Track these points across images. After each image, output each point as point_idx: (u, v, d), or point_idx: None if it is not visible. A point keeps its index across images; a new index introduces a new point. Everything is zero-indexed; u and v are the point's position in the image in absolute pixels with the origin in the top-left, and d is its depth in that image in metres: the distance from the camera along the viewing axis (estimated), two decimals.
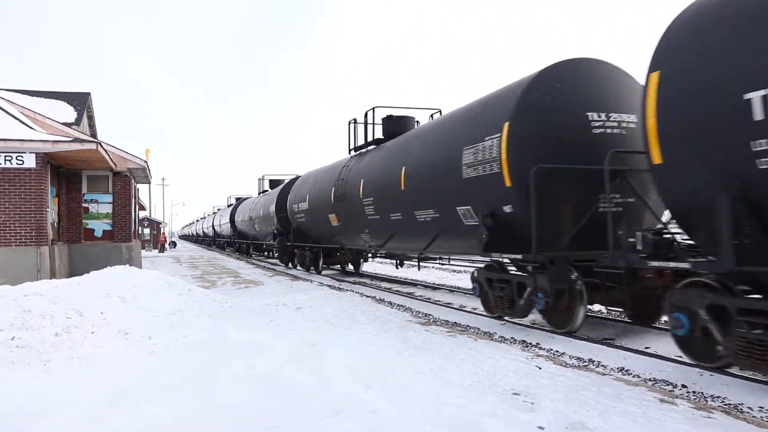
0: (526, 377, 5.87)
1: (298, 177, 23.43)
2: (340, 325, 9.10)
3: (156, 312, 9.35)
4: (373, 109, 15.38)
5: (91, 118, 27.68)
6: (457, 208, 9.90)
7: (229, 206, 47.02)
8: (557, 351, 7.24)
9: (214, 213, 61.69)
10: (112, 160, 16.64)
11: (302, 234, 20.90)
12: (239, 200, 42.02)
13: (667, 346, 7.41)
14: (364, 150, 15.55)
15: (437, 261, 18.11)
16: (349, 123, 16.33)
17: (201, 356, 6.65)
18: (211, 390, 5.25)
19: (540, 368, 6.25)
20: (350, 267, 20.77)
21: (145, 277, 11.55)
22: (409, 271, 19.77)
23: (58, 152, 14.27)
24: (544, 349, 7.40)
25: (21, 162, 13.75)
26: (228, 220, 41.17)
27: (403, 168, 11.78)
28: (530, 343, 7.72)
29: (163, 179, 75.99)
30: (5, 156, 13.65)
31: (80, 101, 25.26)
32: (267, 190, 31.12)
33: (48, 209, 14.49)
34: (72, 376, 5.86)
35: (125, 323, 8.03)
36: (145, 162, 18.60)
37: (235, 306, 10.95)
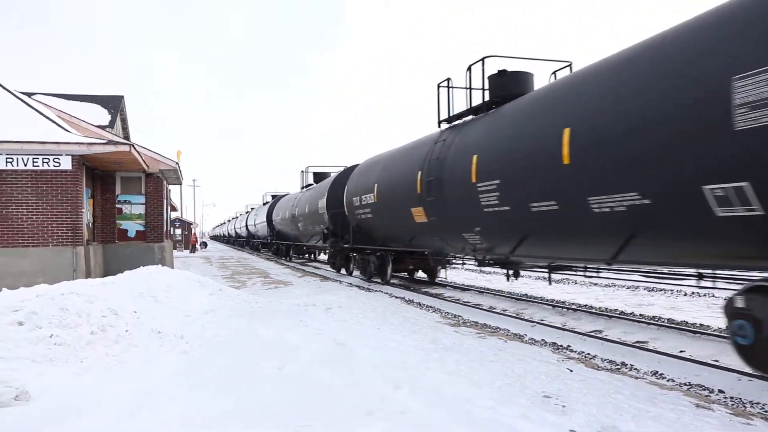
0: (557, 380, 5.81)
1: (355, 165, 19.81)
2: (369, 325, 9.11)
3: (188, 311, 9.48)
4: (483, 60, 11.29)
5: (124, 121, 28.19)
6: (706, 187, 6.06)
7: (265, 204, 42.62)
8: (589, 353, 7.16)
9: (247, 212, 57.20)
10: (144, 162, 16.93)
11: (365, 234, 17.21)
12: (277, 197, 37.75)
13: (702, 349, 7.28)
14: (460, 121, 12.22)
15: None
16: (439, 87, 12.61)
17: (232, 356, 6.72)
18: (243, 389, 5.29)
19: (571, 371, 6.18)
20: (419, 274, 17.91)
21: (177, 277, 11.72)
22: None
23: (92, 154, 14.57)
24: (575, 351, 7.32)
25: (58, 164, 14.06)
26: (264, 219, 37.32)
27: (567, 130, 8.00)
28: (561, 346, 7.64)
29: (194, 180, 77.10)
30: (43, 158, 13.98)
31: (114, 104, 25.77)
32: (312, 184, 26.74)
33: (83, 210, 14.80)
34: (107, 374, 5.97)
35: (158, 322, 8.15)
36: (177, 163, 18.88)
37: (265, 306, 11.04)
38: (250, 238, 49.73)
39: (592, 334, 8.53)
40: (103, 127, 20.67)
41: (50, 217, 14.09)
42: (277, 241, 34.35)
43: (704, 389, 5.57)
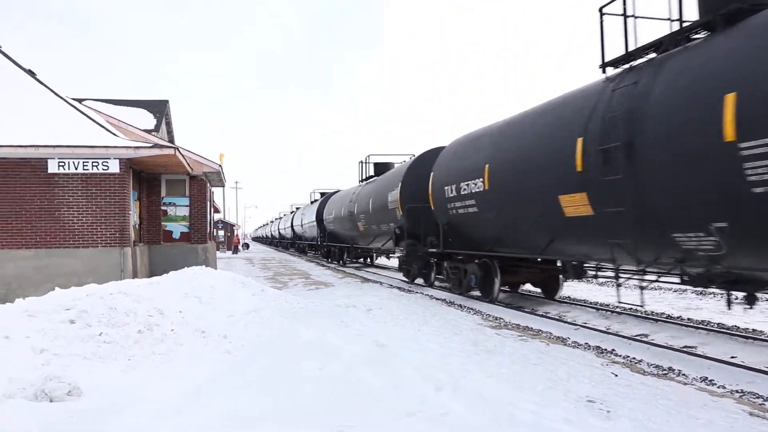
0: (601, 384, 5.70)
1: (438, 148, 16.13)
2: (409, 327, 9.10)
3: (231, 312, 9.62)
4: None
5: (169, 124, 28.82)
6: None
7: (313, 202, 38.03)
8: (634, 358, 7.00)
9: (292, 212, 52.74)
10: (188, 165, 17.27)
11: (461, 235, 13.28)
12: (328, 195, 33.40)
13: (755, 356, 7.05)
14: (652, 56, 7.84)
15: None
16: (602, 12, 8.55)
17: (274, 356, 6.79)
18: (285, 389, 5.34)
19: (616, 375, 6.06)
20: (525, 286, 14.24)
21: (220, 278, 11.91)
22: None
23: (139, 158, 14.94)
24: (620, 355, 7.17)
25: (106, 167, 14.46)
26: (313, 219, 33.57)
27: None
28: (605, 350, 7.49)
29: (236, 182, 78.32)
30: (92, 162, 14.39)
31: (159, 108, 26.37)
32: (373, 177, 22.18)
33: (130, 212, 15.18)
34: (153, 372, 6.10)
35: (202, 322, 8.30)
36: (220, 166, 19.20)
37: (307, 307, 11.13)
38: (296, 240, 45.55)
39: (637, 338, 8.35)
40: (149, 131, 21.20)
41: (99, 218, 14.49)
42: (329, 243, 30.19)
43: (758, 397, 5.39)
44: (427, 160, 16.23)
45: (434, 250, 14.60)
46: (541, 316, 10.58)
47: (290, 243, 52.34)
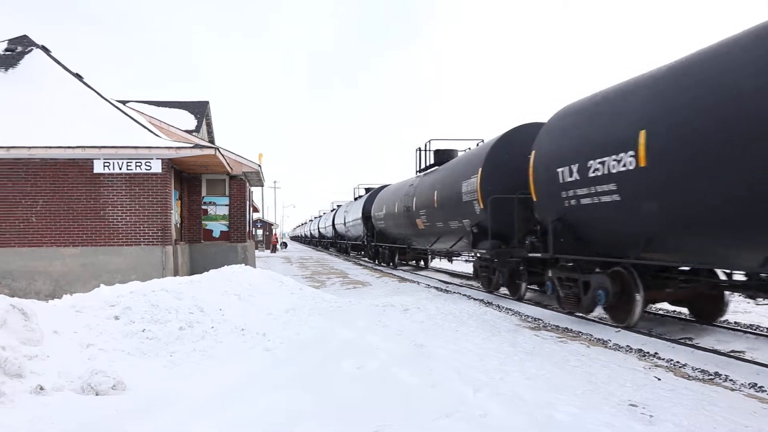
0: (644, 388, 5.57)
1: (535, 123, 12.90)
2: (447, 327, 9.05)
3: (270, 310, 9.72)
4: None
5: (209, 125, 29.31)
6: None
7: (358, 198, 34.96)
8: (678, 362, 6.83)
9: (333, 210, 48.91)
10: (228, 165, 17.52)
11: (581, 233, 9.86)
12: (375, 189, 30.26)
13: None
14: None
15: None
16: None
17: (312, 354, 6.83)
18: (323, 387, 5.37)
19: (659, 379, 5.92)
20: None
21: (259, 276, 12.05)
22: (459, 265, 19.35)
23: (180, 158, 15.22)
24: (663, 359, 7.00)
25: (149, 167, 14.77)
26: (359, 216, 30.30)
27: None
28: (648, 353, 7.33)
29: (274, 182, 79.09)
30: (135, 162, 14.72)
31: (200, 109, 26.84)
32: (434, 166, 18.51)
33: (172, 211, 15.47)
34: (195, 368, 6.21)
35: (242, 320, 8.41)
36: (259, 166, 19.42)
37: (344, 306, 11.17)
38: (338, 239, 42.40)
39: (681, 341, 8.14)
40: (190, 132, 21.60)
41: (142, 217, 14.81)
42: (377, 243, 26.75)
43: None
44: (519, 137, 12.65)
45: (536, 254, 11.09)
46: (581, 317, 10.41)
47: (330, 242, 49.22)
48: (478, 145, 15.80)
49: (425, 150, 19.51)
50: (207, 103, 27.88)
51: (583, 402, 5.04)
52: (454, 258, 20.73)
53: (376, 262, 28.29)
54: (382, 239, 25.93)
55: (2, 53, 18.10)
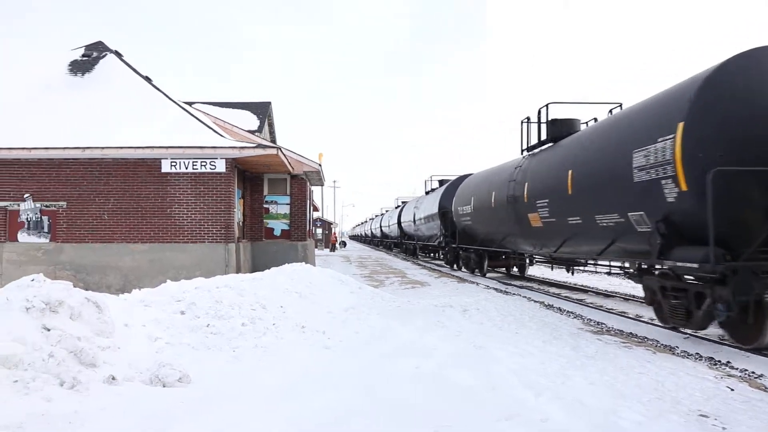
0: (715, 398, 5.34)
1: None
2: (507, 329, 8.93)
3: (329, 308, 9.83)
4: None
5: (271, 125, 29.87)
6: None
7: (431, 192, 30.54)
8: (753, 372, 6.51)
9: (397, 207, 45.23)
10: (290, 164, 17.81)
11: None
12: (454, 179, 25.41)
13: None
14: None
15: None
16: None
17: (371, 353, 6.87)
18: (381, 386, 5.38)
19: (732, 390, 5.65)
20: None
21: (319, 275, 12.21)
22: (578, 277, 18.97)
23: (244, 157, 15.57)
24: (736, 368, 6.69)
25: (213, 167, 15.18)
26: (433, 212, 26.14)
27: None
28: (719, 361, 7.02)
29: (334, 182, 79.91)
30: (201, 162, 15.16)
31: (262, 110, 27.40)
32: (546, 142, 13.92)
33: (235, 209, 15.85)
34: (256, 363, 6.33)
35: (302, 317, 8.53)
36: (319, 165, 19.67)
37: (403, 305, 11.19)
38: (404, 239, 39.74)
39: (757, 350, 7.77)
40: (252, 132, 22.08)
41: (206, 215, 15.24)
42: (459, 244, 23.17)
43: None
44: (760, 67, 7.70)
45: None
46: (647, 323, 10.08)
47: (394, 243, 45.49)
48: (620, 108, 12.15)
49: (536, 121, 14.32)
50: (269, 103, 28.43)
51: (649, 410, 4.87)
52: (576, 267, 15.06)
53: (455, 267, 23.96)
54: (466, 240, 21.10)
55: (79, 59, 18.98)
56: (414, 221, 32.11)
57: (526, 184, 13.93)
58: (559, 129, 13.48)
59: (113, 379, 5.05)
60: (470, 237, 20.56)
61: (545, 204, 12.77)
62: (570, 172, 11.38)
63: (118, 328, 6.00)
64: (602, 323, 9.79)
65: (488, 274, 20.51)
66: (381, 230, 54.84)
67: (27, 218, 15.27)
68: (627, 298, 13.62)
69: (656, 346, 7.93)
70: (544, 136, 14.06)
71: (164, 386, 5.18)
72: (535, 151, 14.43)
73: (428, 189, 31.89)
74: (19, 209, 15.26)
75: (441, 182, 29.81)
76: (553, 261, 15.35)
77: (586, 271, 16.42)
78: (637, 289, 15.25)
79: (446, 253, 25.39)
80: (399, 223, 39.34)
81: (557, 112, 13.99)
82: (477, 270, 20.69)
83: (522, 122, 15.18)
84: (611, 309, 11.76)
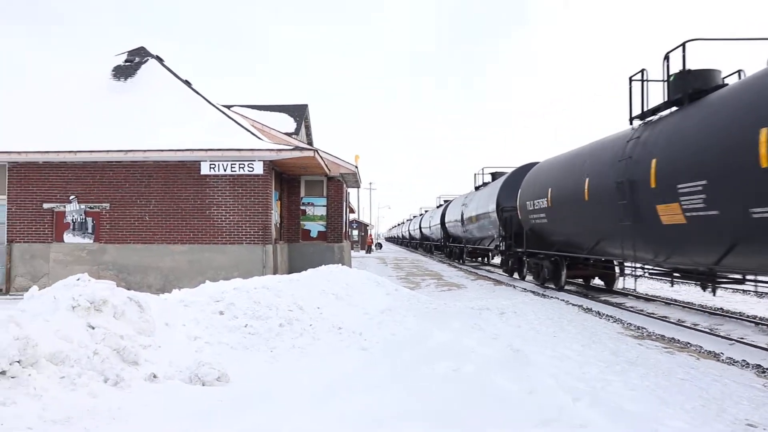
0: (763, 407, 5.18)
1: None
2: (545, 332, 8.83)
3: (366, 310, 9.85)
4: None
5: (308, 128, 30.12)
6: None
7: (481, 187, 26.77)
8: None
9: (444, 203, 40.70)
10: (326, 166, 17.92)
11: None
12: (509, 173, 22.04)
13: None
14: None
15: None
16: None
17: (408, 355, 6.85)
18: (418, 388, 5.36)
19: None
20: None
21: (355, 276, 12.24)
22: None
23: (281, 159, 15.72)
24: None
25: (251, 169, 15.37)
26: (488, 210, 22.69)
27: None
28: (767, 369, 6.82)
29: (370, 183, 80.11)
30: (239, 164, 15.36)
31: (299, 112, 27.65)
32: (681, 101, 10.22)
33: (272, 211, 16.01)
34: (293, 364, 6.39)
35: (339, 319, 8.57)
36: (356, 167, 19.74)
37: (439, 308, 11.14)
38: (448, 242, 35.82)
39: None
40: (289, 134, 22.29)
41: (244, 217, 15.43)
42: (526, 248, 18.56)
43: None
44: None
45: None
46: (690, 328, 9.85)
47: (436, 245, 41.92)
48: None
49: (667, 73, 10.67)
50: (306, 106, 28.67)
51: (693, 417, 4.75)
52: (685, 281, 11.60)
53: (516, 276, 20.17)
54: (535, 243, 16.98)
55: (122, 64, 19.44)
56: (462, 221, 28.22)
57: (654, 161, 10.05)
58: (697, 81, 9.95)
59: (154, 377, 5.15)
60: (542, 240, 16.53)
61: (698, 188, 8.76)
62: (765, 131, 7.40)
63: (158, 327, 6.12)
64: (643, 328, 9.60)
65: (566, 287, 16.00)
66: (420, 231, 51.63)
67: (72, 219, 15.70)
68: (668, 302, 13.32)
69: (700, 352, 7.74)
70: (666, 97, 10.64)
71: (203, 385, 5.26)
72: (662, 114, 10.88)
73: (478, 183, 27.71)
74: (65, 211, 15.70)
75: (494, 175, 26.01)
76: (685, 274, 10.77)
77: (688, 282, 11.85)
78: (680, 293, 14.95)
79: (506, 258, 20.93)
80: (443, 223, 35.38)
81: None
82: (551, 282, 16.11)
83: (631, 79, 11.73)
84: (652, 313, 11.51)
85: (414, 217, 69.81)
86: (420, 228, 51.60)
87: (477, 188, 27.45)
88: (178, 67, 20.88)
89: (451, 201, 36.28)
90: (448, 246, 35.64)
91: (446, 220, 34.52)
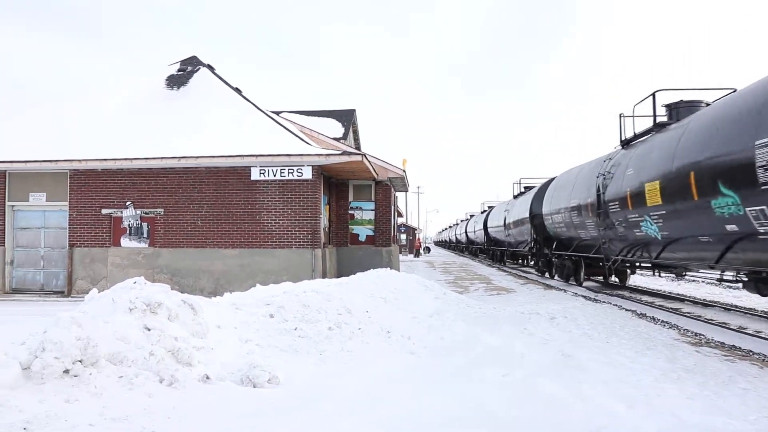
0: None
1: None
2: (596, 338, 8.64)
3: (414, 313, 9.83)
4: None
5: (355, 132, 30.31)
6: None
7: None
8: None
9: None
10: (374, 171, 17.99)
11: None
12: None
13: None
14: None
15: None
16: None
17: (456, 359, 6.82)
18: (467, 393, 5.33)
19: None
20: None
21: (403, 280, 12.24)
22: (672, 285, 18.09)
23: (329, 164, 15.87)
24: None
25: (300, 174, 15.57)
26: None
27: None
28: None
29: (418, 187, 79.99)
30: (288, 169, 15.58)
31: (346, 117, 27.86)
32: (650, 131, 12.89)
33: (321, 215, 16.17)
34: (342, 367, 6.43)
35: (387, 322, 8.58)
36: (403, 171, 19.77)
37: (489, 312, 11.04)
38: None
39: None
40: (337, 139, 22.48)
41: (293, 221, 15.63)
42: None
43: None
44: None
45: None
46: (752, 335, 9.47)
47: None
48: None
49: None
50: (353, 111, 28.88)
51: (758, 430, 4.56)
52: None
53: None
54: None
55: (175, 73, 20.00)
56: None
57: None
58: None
59: (207, 378, 5.27)
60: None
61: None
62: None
63: (211, 329, 6.26)
64: (701, 334, 9.28)
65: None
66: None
67: (129, 224, 16.21)
68: (727, 308, 12.86)
69: (763, 360, 7.43)
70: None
71: (254, 386, 5.35)
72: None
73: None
74: (122, 216, 16.22)
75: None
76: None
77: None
78: (741, 299, 14.43)
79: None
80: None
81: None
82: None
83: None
84: (711, 319, 11.13)
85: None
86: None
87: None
88: (227, 73, 21.35)
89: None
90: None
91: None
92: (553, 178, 21.53)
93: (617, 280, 18.54)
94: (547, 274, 22.19)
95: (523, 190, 28.35)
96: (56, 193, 16.61)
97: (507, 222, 28.83)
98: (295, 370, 6.07)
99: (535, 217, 22.12)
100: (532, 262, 26.24)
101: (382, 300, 10.00)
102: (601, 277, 19.17)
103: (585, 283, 18.25)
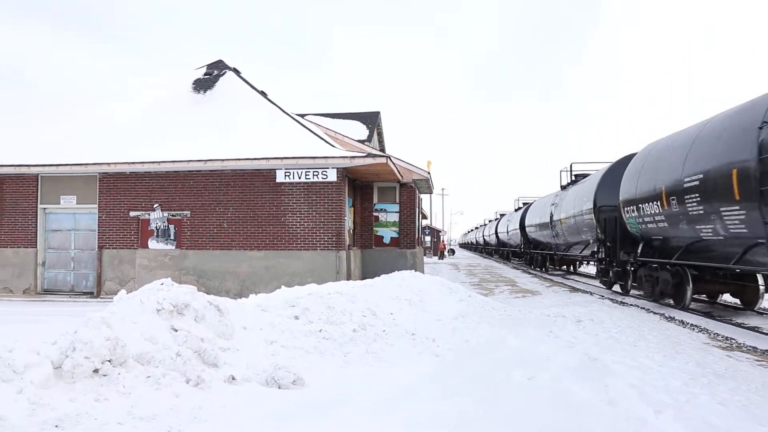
0: None
1: None
2: (624, 341, 8.52)
3: (439, 316, 9.80)
4: None
5: (380, 135, 30.34)
6: None
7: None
8: None
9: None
10: (399, 173, 17.99)
11: None
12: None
13: None
14: None
15: None
16: None
17: (482, 362, 6.78)
18: (492, 396, 5.30)
19: None
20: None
21: (428, 282, 12.22)
22: None
23: (354, 166, 15.91)
24: None
25: (325, 176, 15.63)
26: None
27: None
28: None
29: (442, 189, 79.87)
30: (313, 171, 15.66)
31: (371, 120, 27.90)
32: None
33: (346, 218, 16.21)
34: (367, 369, 6.43)
35: (412, 324, 8.57)
36: (428, 173, 19.73)
37: (514, 315, 10.96)
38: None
39: None
40: (362, 142, 22.53)
41: (318, 224, 15.70)
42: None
43: None
44: None
45: None
46: None
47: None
48: None
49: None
50: (378, 113, 28.91)
51: None
52: None
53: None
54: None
55: (202, 77, 20.24)
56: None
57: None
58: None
59: (233, 378, 5.31)
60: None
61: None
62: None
63: (237, 330, 6.31)
64: (731, 338, 9.11)
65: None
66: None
67: (156, 227, 16.43)
68: (762, 312, 12.59)
69: None
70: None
71: (279, 388, 5.38)
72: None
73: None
74: (149, 218, 16.45)
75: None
76: None
77: None
78: None
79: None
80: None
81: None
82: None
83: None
84: (741, 323, 10.92)
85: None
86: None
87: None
88: (250, 75, 21.55)
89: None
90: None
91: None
92: (632, 155, 15.88)
93: (737, 301, 13.26)
94: (617, 287, 16.91)
95: (574, 178, 23.50)
96: (86, 196, 16.91)
97: (554, 219, 23.96)
98: (319, 371, 6.10)
99: (604, 209, 17.26)
100: (595, 271, 21.11)
101: (407, 302, 9.99)
102: (705, 295, 14.12)
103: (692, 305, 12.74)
